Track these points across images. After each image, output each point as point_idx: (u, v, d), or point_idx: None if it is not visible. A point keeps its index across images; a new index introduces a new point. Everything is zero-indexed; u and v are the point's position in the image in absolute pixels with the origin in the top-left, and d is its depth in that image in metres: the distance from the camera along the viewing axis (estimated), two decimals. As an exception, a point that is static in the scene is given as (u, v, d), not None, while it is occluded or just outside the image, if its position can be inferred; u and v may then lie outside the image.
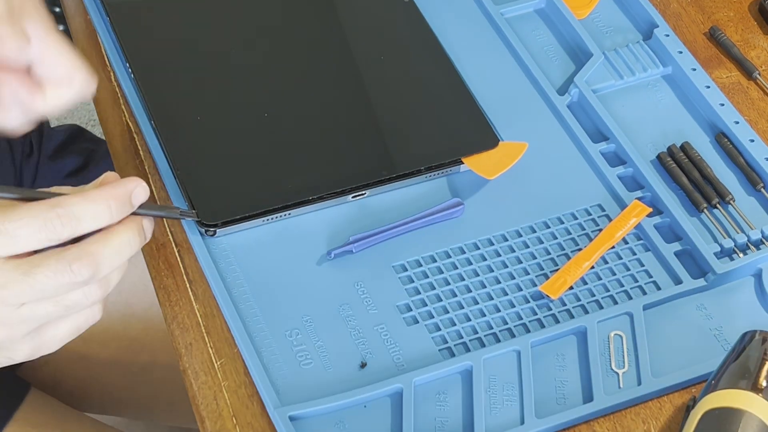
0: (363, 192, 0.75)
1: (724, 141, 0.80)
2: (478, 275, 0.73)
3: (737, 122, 0.80)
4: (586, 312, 0.72)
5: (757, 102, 0.83)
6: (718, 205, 0.76)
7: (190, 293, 0.72)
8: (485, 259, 0.74)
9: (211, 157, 0.76)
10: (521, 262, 0.74)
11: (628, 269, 0.74)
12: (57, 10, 1.81)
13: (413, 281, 0.73)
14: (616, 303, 0.72)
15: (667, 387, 0.69)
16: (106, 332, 0.99)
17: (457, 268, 0.73)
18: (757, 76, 0.84)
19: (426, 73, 0.82)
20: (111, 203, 0.60)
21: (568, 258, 0.74)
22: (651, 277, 0.74)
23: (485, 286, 0.73)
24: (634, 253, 0.75)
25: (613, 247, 0.75)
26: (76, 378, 1.00)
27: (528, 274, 0.73)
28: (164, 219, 0.74)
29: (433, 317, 0.71)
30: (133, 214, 0.62)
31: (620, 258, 0.74)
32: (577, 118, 0.81)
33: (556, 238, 0.75)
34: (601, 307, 0.72)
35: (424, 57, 0.83)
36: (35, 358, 0.97)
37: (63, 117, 1.83)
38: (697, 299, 0.73)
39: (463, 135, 0.78)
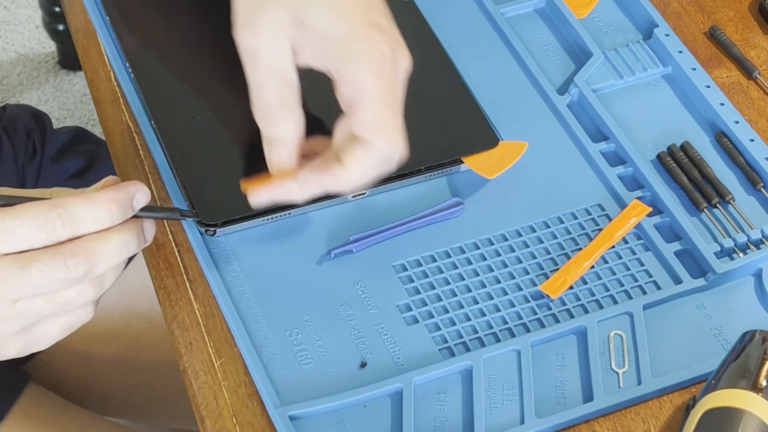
0: (363, 192, 0.75)
1: (724, 141, 0.80)
2: (478, 275, 0.73)
3: (737, 122, 0.80)
4: (586, 312, 0.72)
5: (757, 101, 0.83)
6: (718, 205, 0.76)
7: (190, 293, 0.72)
8: (485, 259, 0.74)
9: (211, 157, 0.76)
10: (521, 262, 0.74)
11: (628, 269, 0.74)
12: (57, 9, 1.82)
13: (413, 281, 0.73)
14: (616, 303, 0.72)
15: (667, 387, 0.69)
16: (107, 333, 0.99)
17: (457, 267, 0.73)
18: (757, 75, 0.84)
19: (426, 73, 0.82)
20: (112, 206, 0.60)
21: (568, 257, 0.74)
22: (651, 276, 0.74)
23: (485, 286, 0.73)
24: (634, 253, 0.75)
25: (613, 247, 0.75)
26: (76, 378, 1.00)
27: (528, 273, 0.73)
28: (164, 219, 0.74)
29: (433, 317, 0.71)
30: (134, 216, 0.62)
31: (620, 258, 0.74)
32: (577, 117, 0.81)
33: (556, 238, 0.75)
34: (601, 307, 0.72)
35: (424, 57, 0.82)
36: (38, 360, 0.98)
37: (63, 117, 1.83)
38: (697, 299, 0.73)
39: (463, 134, 0.78)
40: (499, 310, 0.72)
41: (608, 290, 0.73)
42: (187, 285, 0.73)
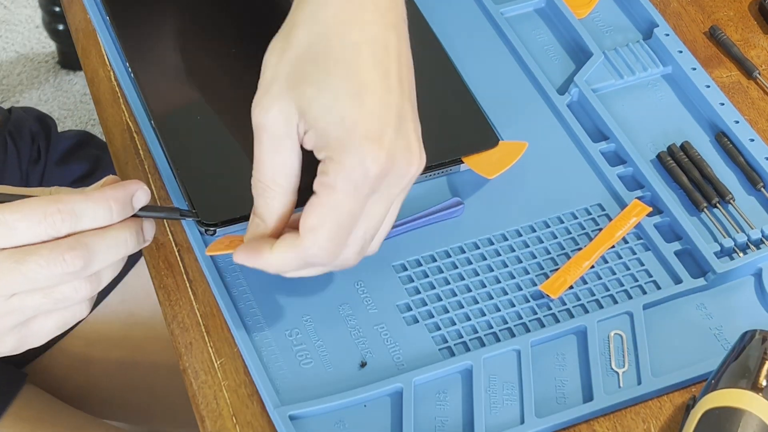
0: None
1: (724, 140, 0.80)
2: (478, 275, 0.73)
3: (737, 121, 0.80)
4: (586, 311, 0.72)
5: (757, 101, 0.83)
6: (718, 205, 0.76)
7: (190, 293, 0.72)
8: (485, 259, 0.74)
9: (211, 156, 0.76)
10: (521, 262, 0.74)
11: (628, 269, 0.74)
12: (57, 9, 1.82)
13: (413, 281, 0.73)
14: (616, 302, 0.72)
15: (667, 386, 0.69)
16: (108, 339, 0.99)
17: (456, 267, 0.73)
18: (757, 75, 0.84)
19: (426, 73, 0.82)
20: (112, 204, 0.61)
21: (568, 257, 0.74)
22: (651, 276, 0.74)
23: (485, 286, 0.73)
24: (634, 253, 0.75)
25: (613, 247, 0.75)
26: (76, 384, 1.00)
27: (528, 273, 0.73)
28: (164, 219, 0.74)
29: (433, 317, 0.71)
30: (134, 216, 0.63)
31: (620, 257, 0.74)
32: (577, 117, 0.81)
33: (556, 238, 0.75)
34: (601, 307, 0.72)
35: (424, 57, 0.82)
36: (38, 364, 0.98)
37: (63, 117, 1.83)
38: (697, 299, 0.73)
39: (463, 134, 0.78)
40: (499, 310, 0.72)
41: (608, 290, 0.73)
42: (187, 285, 0.73)
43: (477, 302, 0.72)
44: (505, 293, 0.72)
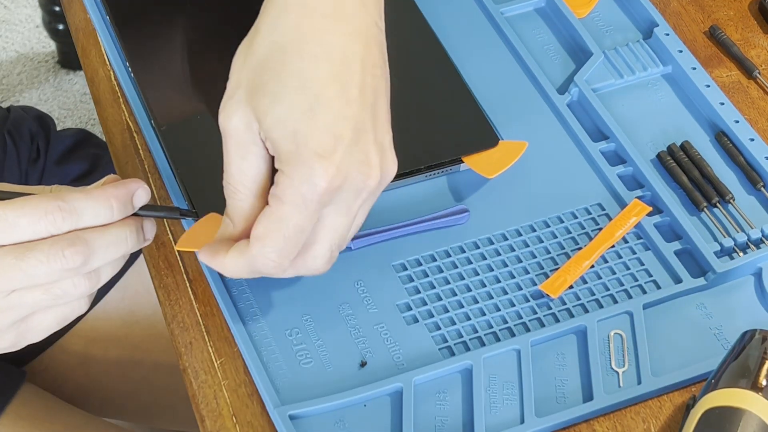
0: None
1: (724, 140, 0.80)
2: (477, 274, 0.73)
3: (737, 121, 0.80)
4: (586, 311, 0.72)
5: (757, 101, 0.83)
6: (718, 204, 0.76)
7: (190, 292, 0.72)
8: (485, 258, 0.74)
9: (211, 156, 0.76)
10: (521, 261, 0.74)
11: (628, 268, 0.74)
12: (57, 9, 1.82)
13: (413, 280, 0.73)
14: (616, 302, 0.72)
15: (667, 386, 0.69)
16: (108, 338, 0.99)
17: (456, 267, 0.73)
18: (757, 75, 0.84)
19: (426, 72, 0.82)
20: (112, 202, 0.61)
21: (568, 257, 0.74)
22: (651, 276, 0.74)
23: (485, 285, 0.72)
24: (634, 252, 0.75)
25: (613, 246, 0.75)
26: (76, 383, 1.00)
27: (528, 273, 0.73)
28: (164, 219, 0.74)
29: (433, 316, 0.71)
30: (134, 215, 0.63)
31: (620, 257, 0.74)
32: (577, 117, 0.81)
33: (556, 237, 0.75)
34: (601, 306, 0.72)
35: (424, 56, 0.83)
36: (38, 363, 0.98)
37: (63, 117, 1.83)
38: (697, 298, 0.73)
39: (462, 134, 0.78)
40: (499, 310, 0.72)
41: (608, 289, 0.73)
42: (187, 284, 0.73)
43: (477, 302, 0.72)
44: (505, 293, 0.72)
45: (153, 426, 1.17)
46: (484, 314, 0.71)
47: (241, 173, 0.63)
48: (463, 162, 0.77)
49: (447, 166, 0.77)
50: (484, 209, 0.76)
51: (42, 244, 0.59)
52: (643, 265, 0.74)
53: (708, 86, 0.82)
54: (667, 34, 0.84)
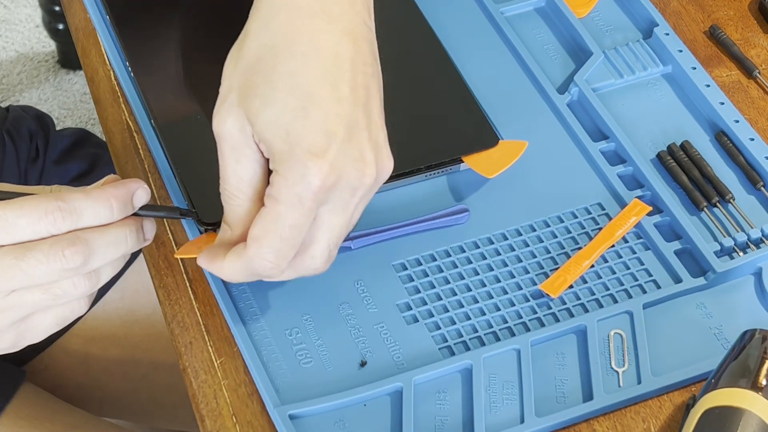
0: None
1: (724, 140, 0.80)
2: (477, 274, 0.73)
3: (737, 121, 0.80)
4: (586, 311, 0.72)
5: (757, 101, 0.83)
6: (718, 204, 0.76)
7: (190, 292, 0.72)
8: (485, 258, 0.74)
9: (211, 156, 0.76)
10: (521, 261, 0.74)
11: (628, 268, 0.74)
12: (57, 9, 1.82)
13: (413, 280, 0.73)
14: (616, 302, 0.72)
15: (667, 386, 0.69)
16: (107, 337, 0.99)
17: (456, 266, 0.73)
18: (757, 74, 0.84)
19: (426, 72, 0.82)
20: (113, 202, 0.61)
21: (568, 257, 0.74)
22: (651, 275, 0.74)
23: (485, 285, 0.72)
24: (634, 252, 0.75)
25: (613, 246, 0.75)
26: (76, 383, 1.00)
27: (528, 272, 0.73)
28: (164, 219, 0.74)
29: (433, 316, 0.71)
30: (134, 215, 0.63)
31: (620, 257, 0.74)
32: (577, 116, 0.81)
33: (556, 237, 0.75)
34: (601, 306, 0.72)
35: (424, 56, 0.83)
36: (38, 363, 0.98)
37: (63, 116, 1.83)
38: (697, 298, 0.73)
39: (462, 134, 0.78)
40: (499, 309, 0.72)
41: (608, 289, 0.73)
42: (187, 284, 0.73)
43: (477, 301, 0.72)
44: (505, 292, 0.72)
45: (153, 425, 1.17)
46: (484, 314, 0.71)
47: (236, 177, 0.63)
48: (463, 162, 0.77)
49: (447, 165, 0.77)
50: (484, 209, 0.76)
51: (42, 244, 0.59)
52: (643, 264, 0.74)
53: (708, 86, 0.82)
54: (667, 34, 0.84)
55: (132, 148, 0.79)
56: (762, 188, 0.78)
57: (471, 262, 0.73)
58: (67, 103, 1.86)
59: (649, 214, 0.76)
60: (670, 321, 0.72)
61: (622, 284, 0.73)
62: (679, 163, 0.78)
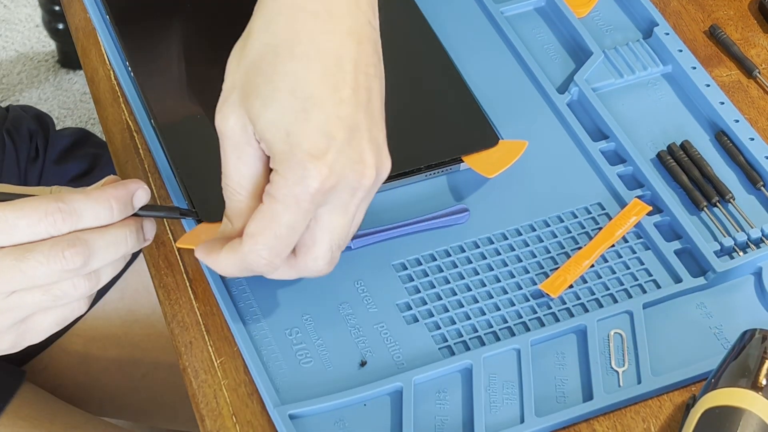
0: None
1: (724, 139, 0.80)
2: (477, 274, 0.73)
3: (737, 121, 0.80)
4: (586, 310, 0.72)
5: (757, 100, 0.83)
6: (718, 204, 0.76)
7: (190, 292, 0.72)
8: (485, 258, 0.74)
9: (211, 155, 0.76)
10: (521, 261, 0.74)
11: (628, 268, 0.74)
12: (57, 8, 1.81)
13: (413, 280, 0.73)
14: (616, 301, 0.72)
15: (667, 385, 0.69)
16: (107, 337, 0.99)
17: (456, 266, 0.73)
18: (757, 74, 0.84)
19: (426, 72, 0.82)
20: (113, 203, 0.61)
21: (568, 256, 0.74)
22: (651, 275, 0.74)
23: (485, 285, 0.72)
24: (634, 252, 0.75)
25: (613, 246, 0.75)
26: (76, 383, 1.00)
27: (528, 272, 0.73)
28: (164, 219, 0.74)
29: (433, 316, 0.71)
30: (134, 215, 0.63)
31: (620, 256, 0.74)
32: (577, 116, 0.81)
33: (556, 237, 0.75)
34: (601, 306, 0.72)
35: (424, 55, 0.83)
36: (37, 363, 0.98)
37: (63, 116, 1.83)
38: (697, 298, 0.73)
39: (462, 133, 0.78)
40: (499, 309, 0.72)
41: (608, 289, 0.73)
42: (187, 284, 0.73)
43: (477, 301, 0.72)
44: (505, 292, 0.72)
45: (152, 425, 1.17)
46: (484, 314, 0.71)
47: (237, 173, 0.63)
48: (463, 161, 0.77)
49: (447, 165, 0.77)
50: (484, 209, 0.76)
51: (42, 245, 0.59)
52: (643, 264, 0.74)
53: (708, 86, 0.82)
54: (667, 34, 0.84)
55: (132, 148, 0.79)
56: (762, 188, 0.78)
57: (471, 262, 0.73)
58: (67, 102, 1.86)
59: (649, 213, 0.76)
60: (670, 321, 0.72)
61: (622, 284, 0.73)
62: (679, 163, 0.78)
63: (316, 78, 0.61)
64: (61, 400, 0.97)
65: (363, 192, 0.63)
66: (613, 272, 0.74)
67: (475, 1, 0.87)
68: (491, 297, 0.72)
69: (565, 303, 0.72)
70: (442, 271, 0.73)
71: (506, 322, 0.71)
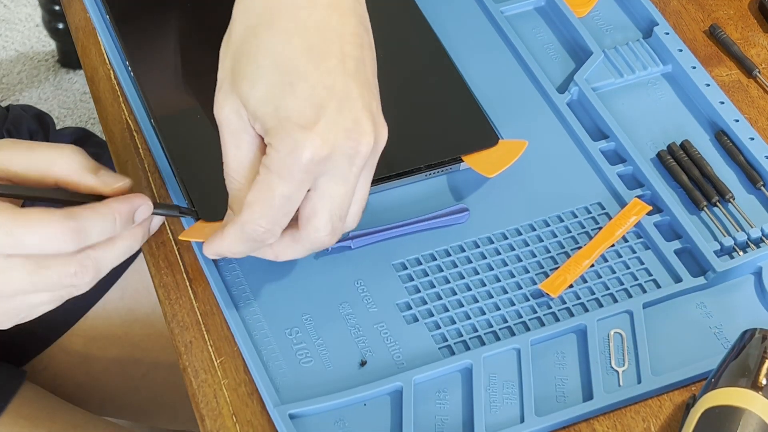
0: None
1: (724, 139, 0.80)
2: (477, 273, 0.73)
3: (737, 120, 0.80)
4: (586, 310, 0.72)
5: (757, 100, 0.83)
6: (718, 204, 0.76)
7: (190, 291, 0.72)
8: (485, 258, 0.74)
9: (211, 155, 0.76)
10: (521, 260, 0.74)
11: (628, 267, 0.74)
12: (57, 8, 1.81)
13: (413, 279, 0.73)
14: (616, 301, 0.72)
15: (667, 385, 0.69)
16: (107, 337, 0.99)
17: (456, 266, 0.73)
18: (757, 74, 0.84)
19: (425, 71, 0.82)
20: (117, 218, 0.63)
21: (568, 256, 0.74)
22: (651, 275, 0.74)
23: (485, 285, 0.72)
24: (634, 252, 0.75)
25: (613, 246, 0.75)
26: (76, 382, 1.00)
27: (528, 272, 0.73)
28: (164, 217, 0.74)
29: (433, 315, 0.71)
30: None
31: (620, 256, 0.74)
32: (577, 116, 0.81)
33: (556, 237, 0.75)
34: (600, 306, 0.72)
35: (424, 55, 0.83)
36: (38, 362, 0.98)
37: (63, 116, 1.83)
38: (697, 297, 0.73)
39: (462, 133, 0.78)
40: (499, 309, 0.72)
41: (608, 289, 0.73)
42: (187, 283, 0.73)
43: (477, 301, 0.72)
44: (505, 292, 0.72)
45: (153, 425, 1.17)
46: (483, 313, 0.71)
47: (236, 162, 0.64)
48: (463, 161, 0.77)
49: (447, 165, 0.77)
50: (484, 208, 0.76)
51: (55, 263, 0.61)
52: (643, 264, 0.74)
53: (708, 85, 0.82)
54: (667, 33, 0.84)
55: (132, 147, 0.79)
56: (762, 187, 0.78)
57: (471, 262, 0.73)
58: (67, 102, 1.86)
59: (649, 213, 0.76)
60: (670, 320, 0.72)
61: (622, 284, 0.73)
62: (679, 163, 0.78)
63: (298, 51, 0.62)
64: (62, 399, 0.97)
65: (361, 159, 0.63)
66: (613, 272, 0.74)
67: (475, 0, 0.87)
68: (491, 296, 0.72)
69: (565, 303, 0.72)
70: (442, 270, 0.73)
71: (506, 321, 0.71)
